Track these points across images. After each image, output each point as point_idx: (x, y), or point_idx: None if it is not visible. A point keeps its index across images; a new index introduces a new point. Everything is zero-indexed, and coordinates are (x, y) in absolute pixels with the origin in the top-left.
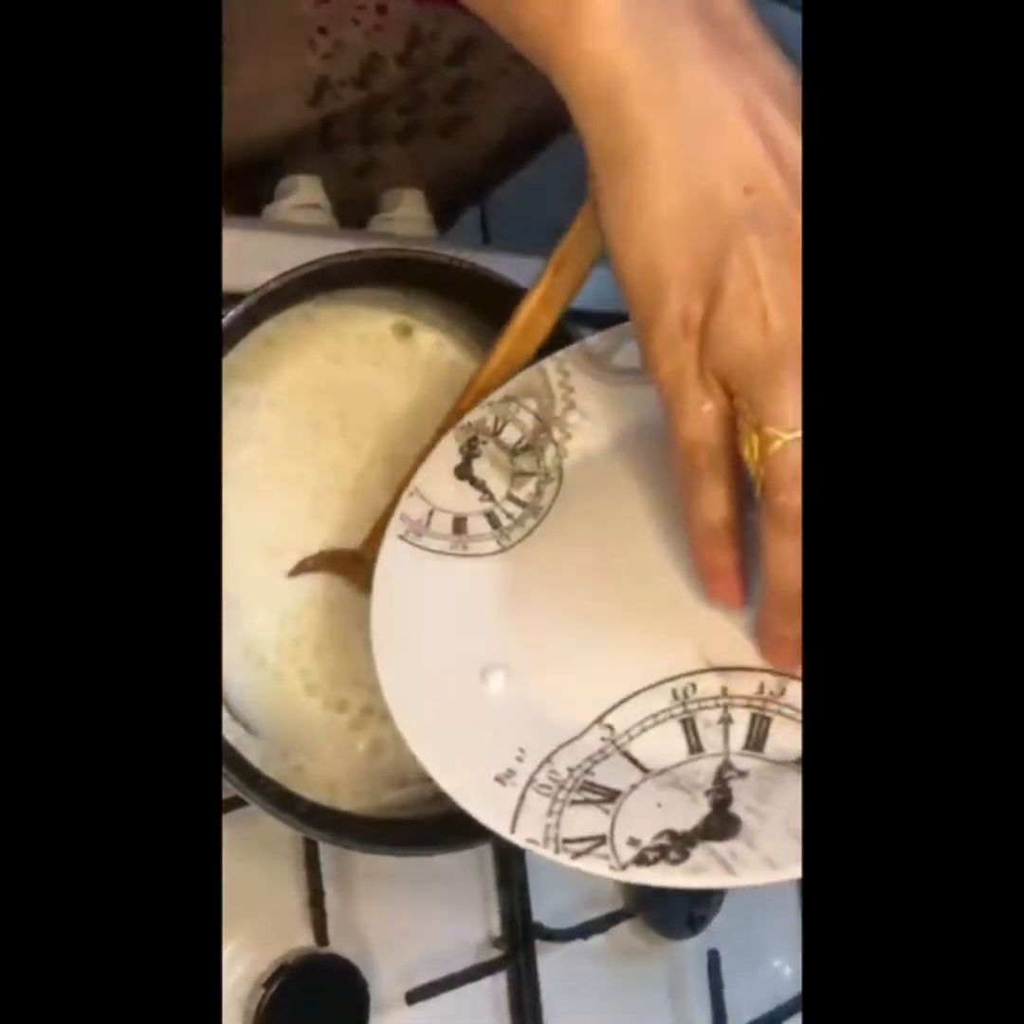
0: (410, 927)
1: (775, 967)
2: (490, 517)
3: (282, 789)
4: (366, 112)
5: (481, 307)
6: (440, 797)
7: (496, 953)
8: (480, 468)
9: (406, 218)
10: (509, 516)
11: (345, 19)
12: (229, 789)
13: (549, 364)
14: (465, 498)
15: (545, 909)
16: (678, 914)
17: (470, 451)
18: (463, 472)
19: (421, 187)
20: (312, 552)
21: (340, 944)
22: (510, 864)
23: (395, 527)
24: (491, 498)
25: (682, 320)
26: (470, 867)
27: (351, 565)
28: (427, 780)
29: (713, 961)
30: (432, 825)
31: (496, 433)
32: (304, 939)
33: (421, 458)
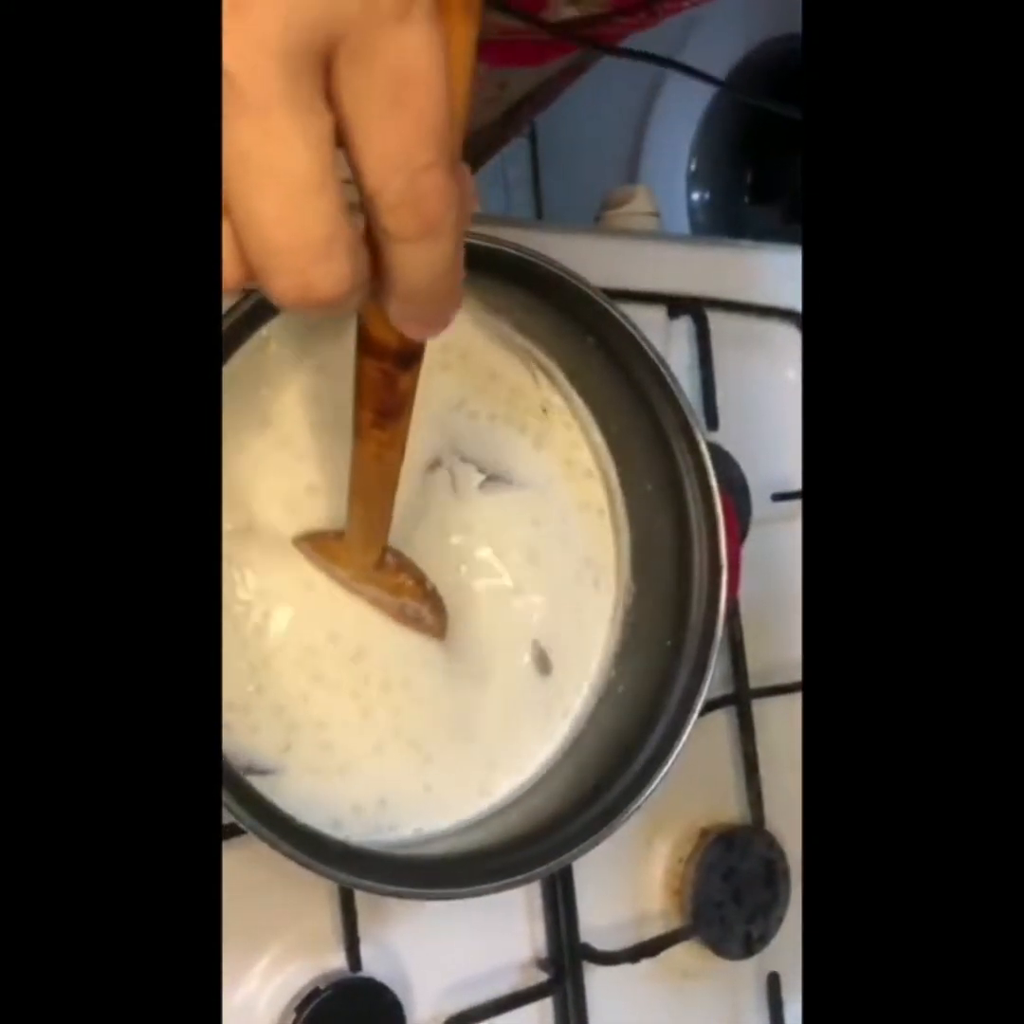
0: (449, 949)
1: None
2: None
3: (311, 833)
4: None
5: (529, 289)
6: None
7: (542, 976)
8: None
9: None
10: None
11: None
12: None
13: None
14: None
15: (593, 928)
16: (734, 933)
17: None
18: None
19: None
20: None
21: (375, 967)
22: (555, 881)
23: None
24: None
25: None
26: None
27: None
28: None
29: (773, 985)
30: (472, 862)
31: None
32: (337, 961)
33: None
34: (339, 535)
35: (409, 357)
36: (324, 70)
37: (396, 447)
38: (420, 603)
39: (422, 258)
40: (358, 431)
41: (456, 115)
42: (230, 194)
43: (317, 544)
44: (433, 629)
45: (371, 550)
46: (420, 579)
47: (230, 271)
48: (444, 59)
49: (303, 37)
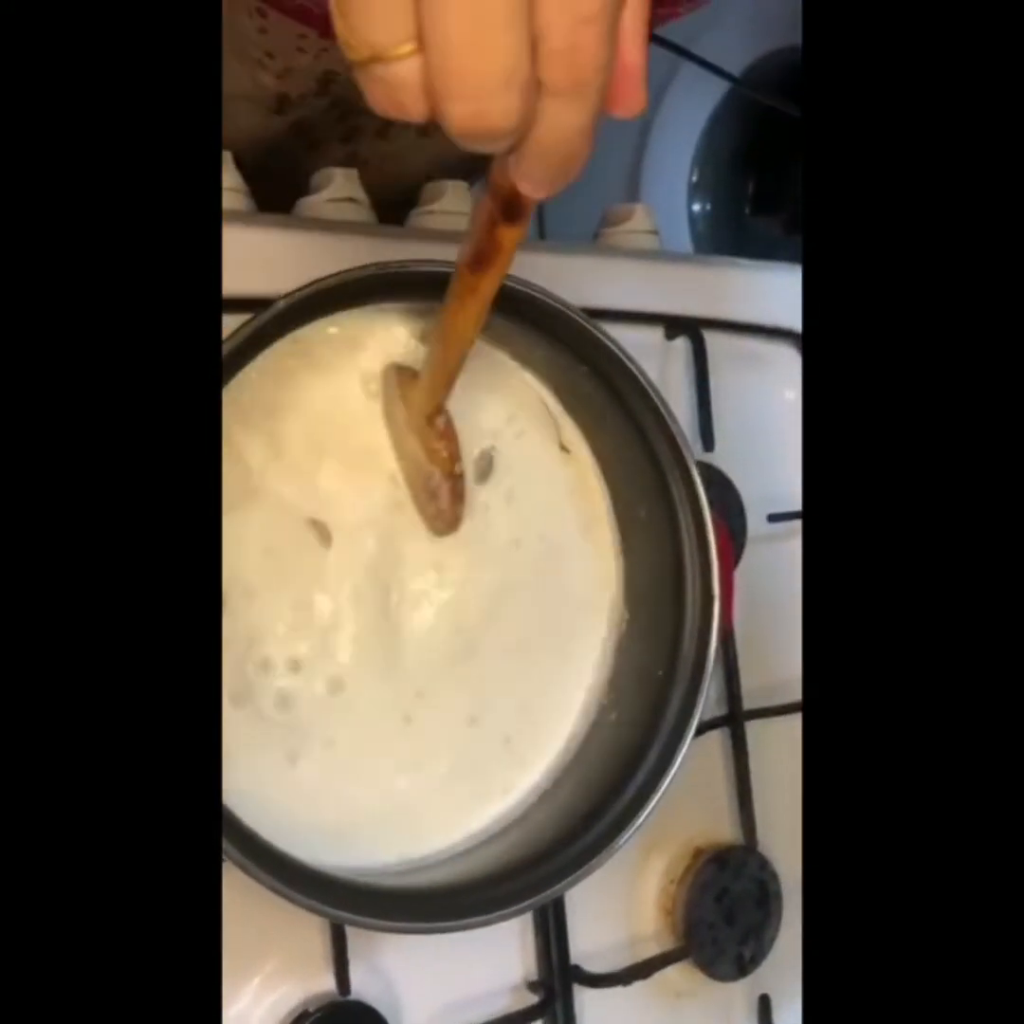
0: (439, 971)
1: None
2: None
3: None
4: (340, 113)
5: (522, 318)
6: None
7: (532, 999)
8: None
9: (449, 211)
10: None
11: (289, 47)
12: None
13: None
14: None
15: (584, 950)
16: (726, 955)
17: None
18: None
19: (407, 180)
20: None
21: (364, 990)
22: (546, 903)
23: None
24: None
25: None
26: None
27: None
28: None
29: (764, 1006)
30: (461, 894)
31: None
32: (326, 983)
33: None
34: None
35: (514, 209)
36: None
37: (477, 299)
38: (444, 480)
39: (562, 116)
40: (456, 269)
41: None
42: (428, 19)
43: (401, 374)
44: (443, 516)
45: (431, 396)
46: (455, 456)
47: (415, 101)
48: None
49: None
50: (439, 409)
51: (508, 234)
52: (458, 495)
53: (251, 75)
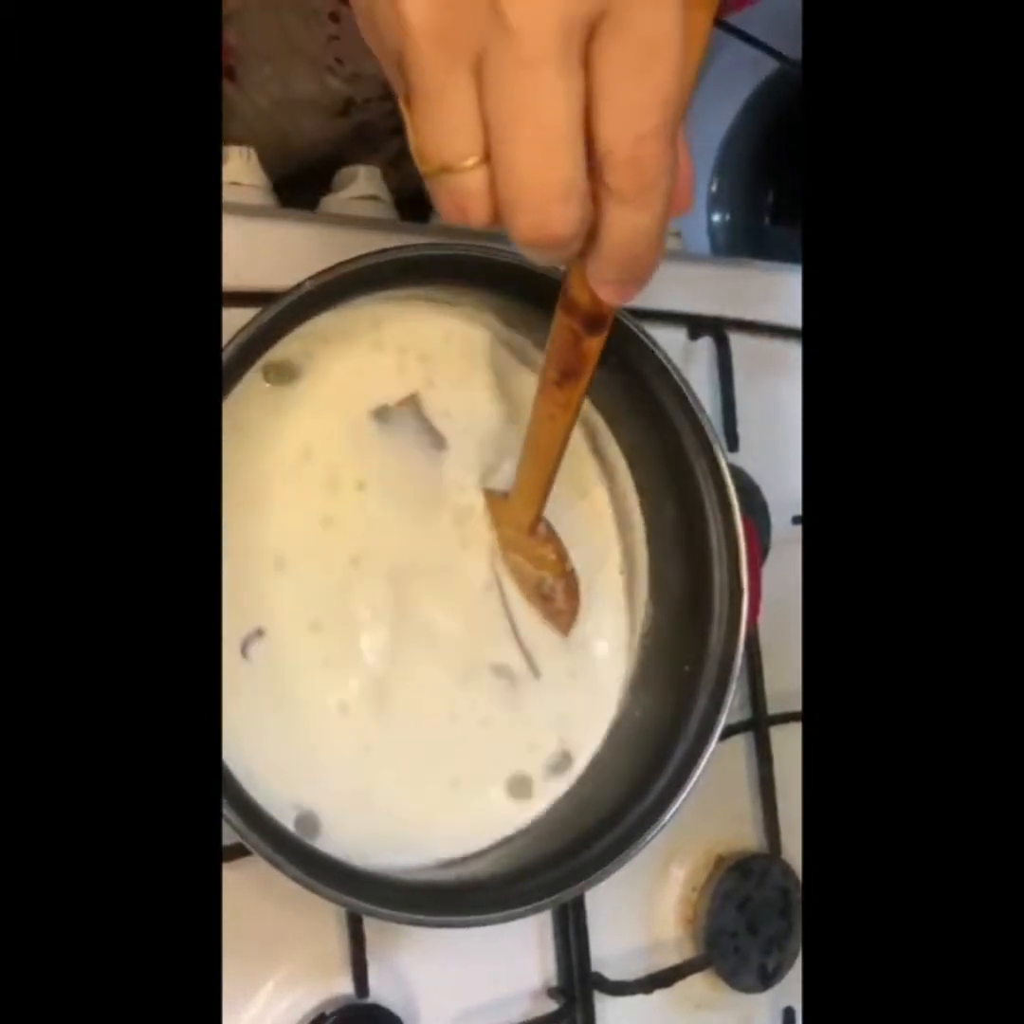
0: (458, 975)
1: None
2: None
3: (315, 853)
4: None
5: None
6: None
7: (552, 1005)
8: None
9: None
10: None
11: (360, 53)
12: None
13: None
14: None
15: (605, 957)
16: (750, 965)
17: None
18: None
19: None
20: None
21: (382, 992)
22: (567, 907)
23: None
24: None
25: None
26: None
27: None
28: None
29: (788, 1019)
30: (483, 890)
31: None
32: (343, 986)
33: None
34: (506, 496)
35: (597, 321)
36: (587, 36)
37: (569, 411)
38: (557, 580)
39: (632, 219)
40: (540, 388)
41: (684, 91)
42: (496, 138)
43: (491, 500)
44: (562, 614)
45: (528, 510)
46: (562, 556)
47: (481, 209)
48: (685, 37)
49: (582, 6)
50: (538, 519)
51: (593, 345)
52: (572, 590)
53: (320, 80)
